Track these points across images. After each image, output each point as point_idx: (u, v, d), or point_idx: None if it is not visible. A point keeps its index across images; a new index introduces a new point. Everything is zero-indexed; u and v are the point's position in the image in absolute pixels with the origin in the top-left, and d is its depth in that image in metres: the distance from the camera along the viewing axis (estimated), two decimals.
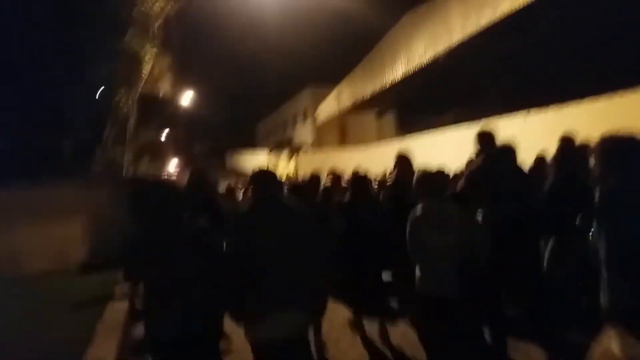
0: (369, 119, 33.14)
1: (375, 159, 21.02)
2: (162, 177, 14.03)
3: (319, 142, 33.23)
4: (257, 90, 56.48)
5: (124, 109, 12.93)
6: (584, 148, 4.94)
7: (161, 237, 2.73)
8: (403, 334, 5.12)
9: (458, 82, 18.56)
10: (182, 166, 48.84)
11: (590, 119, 11.31)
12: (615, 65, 12.13)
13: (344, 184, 8.18)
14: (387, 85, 21.11)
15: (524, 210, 3.72)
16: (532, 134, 12.50)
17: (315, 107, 36.07)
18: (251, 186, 3.20)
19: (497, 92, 16.29)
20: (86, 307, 6.80)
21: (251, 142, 53.14)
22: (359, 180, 5.40)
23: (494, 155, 4.21)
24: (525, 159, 8.30)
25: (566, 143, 4.91)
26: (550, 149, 7.49)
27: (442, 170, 3.65)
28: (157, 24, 13.62)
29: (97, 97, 13.25)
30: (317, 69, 57.58)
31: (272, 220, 2.89)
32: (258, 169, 3.24)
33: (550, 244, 3.85)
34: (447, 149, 16.02)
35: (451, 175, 6.61)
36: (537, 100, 13.58)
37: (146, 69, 13.54)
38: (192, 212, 3.05)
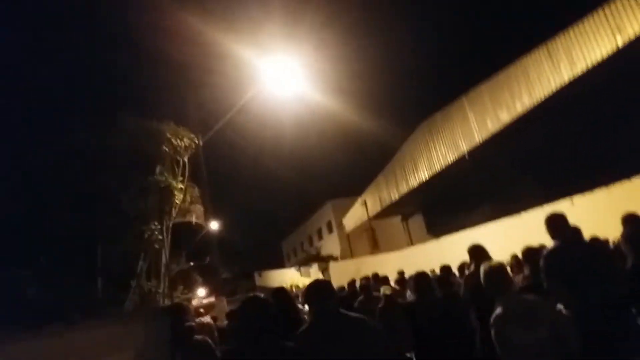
0: (395, 224, 33.01)
1: (408, 263, 20.47)
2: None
3: (348, 251, 32.77)
4: (279, 210, 57.59)
5: (157, 240, 12.88)
6: None
7: None
8: None
9: (483, 180, 18.48)
10: (212, 292, 48.22)
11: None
12: None
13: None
14: (412, 189, 21.20)
15: (611, 294, 3.44)
16: (582, 217, 12.09)
17: (339, 219, 36.34)
18: (308, 300, 2.94)
19: (525, 186, 16.07)
20: None
21: (278, 261, 52.78)
22: (423, 278, 4.82)
23: (571, 242, 3.90)
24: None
25: (635, 221, 4.74)
26: (604, 230, 7.10)
27: (502, 263, 3.43)
28: (184, 159, 14.08)
29: (128, 232, 13.28)
30: (335, 183, 58.98)
31: (337, 336, 2.64)
32: (314, 281, 3.02)
33: None
34: (484, 243, 15.50)
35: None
36: (569, 188, 13.34)
37: (176, 201, 13.74)
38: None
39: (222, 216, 22.86)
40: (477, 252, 5.55)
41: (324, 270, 28.08)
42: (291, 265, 38.79)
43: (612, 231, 6.50)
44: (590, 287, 3.48)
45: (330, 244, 38.90)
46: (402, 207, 26.22)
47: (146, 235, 12.73)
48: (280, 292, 5.52)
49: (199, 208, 15.24)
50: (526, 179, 16.40)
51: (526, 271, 4.80)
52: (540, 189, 14.90)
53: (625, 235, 3.94)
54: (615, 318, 3.42)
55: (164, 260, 13.47)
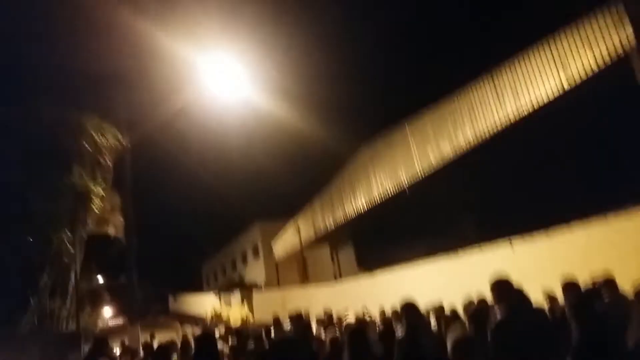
0: (324, 253, 32.31)
1: (339, 298, 19.76)
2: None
3: (274, 280, 31.50)
4: (203, 228, 55.04)
5: (66, 252, 11.21)
6: (596, 292, 5.05)
7: None
8: None
9: (421, 215, 18.32)
10: (120, 313, 44.62)
11: (583, 246, 10.97)
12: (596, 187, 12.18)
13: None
14: (348, 218, 20.67)
15: None
16: (522, 265, 12.01)
17: (266, 243, 34.98)
18: None
19: (463, 224, 16.03)
20: None
21: (196, 284, 50.14)
22: (413, 310, 4.55)
23: (517, 311, 3.90)
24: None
25: (575, 289, 4.93)
26: (544, 279, 6.80)
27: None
28: (107, 161, 12.64)
29: (33, 238, 11.50)
30: (265, 201, 57.49)
31: None
32: (280, 340, 3.05)
33: None
34: (420, 283, 15.19)
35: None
36: (507, 229, 13.34)
37: (94, 208, 12.19)
38: None
39: (141, 230, 21.07)
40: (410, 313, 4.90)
41: (247, 299, 26.73)
42: (211, 290, 36.77)
43: (551, 278, 6.48)
44: None
45: (255, 271, 37.35)
46: (333, 237, 25.64)
47: (54, 245, 11.03)
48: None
49: (118, 218, 13.68)
50: (464, 217, 16.42)
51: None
52: (478, 228, 14.88)
53: (570, 307, 3.90)
54: None
55: (72, 276, 11.77)
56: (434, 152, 15.67)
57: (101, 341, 5.44)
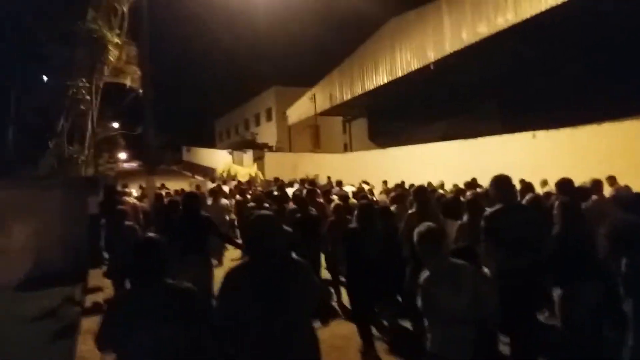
0: (336, 124, 32.26)
1: (348, 168, 20.12)
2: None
3: (286, 143, 31.92)
4: (217, 86, 54.43)
5: (83, 100, 11.14)
6: (586, 191, 5.70)
7: None
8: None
9: (444, 95, 17.76)
10: (134, 159, 46.29)
11: (604, 140, 10.77)
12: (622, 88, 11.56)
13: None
14: (367, 92, 20.20)
15: (536, 261, 3.91)
16: (543, 154, 11.89)
17: (280, 108, 35.12)
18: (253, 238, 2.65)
19: (486, 110, 15.54)
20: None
21: (209, 139, 51.09)
22: (368, 208, 5.03)
23: (515, 207, 4.26)
24: (534, 179, 7.57)
25: (569, 190, 5.23)
26: (564, 169, 6.78)
27: (440, 228, 3.46)
28: (123, 7, 11.97)
29: (46, 83, 11.35)
30: (281, 68, 56.11)
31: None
32: (256, 217, 2.70)
33: (561, 293, 3.95)
34: (434, 162, 15.27)
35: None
36: (529, 121, 12.99)
37: (110, 58, 11.82)
38: None
39: (157, 80, 20.71)
40: (421, 194, 5.56)
41: (259, 159, 27.19)
42: (223, 147, 37.50)
43: (572, 170, 6.52)
44: (519, 252, 3.88)
45: (267, 132, 37.74)
46: (348, 109, 25.34)
47: (71, 92, 10.90)
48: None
49: (134, 70, 13.35)
50: (488, 103, 15.88)
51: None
52: (501, 116, 14.49)
53: (559, 204, 4.12)
54: (531, 281, 3.90)
55: (90, 124, 11.85)
56: (468, 31, 14.70)
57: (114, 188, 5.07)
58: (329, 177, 15.55)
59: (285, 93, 34.47)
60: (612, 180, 7.93)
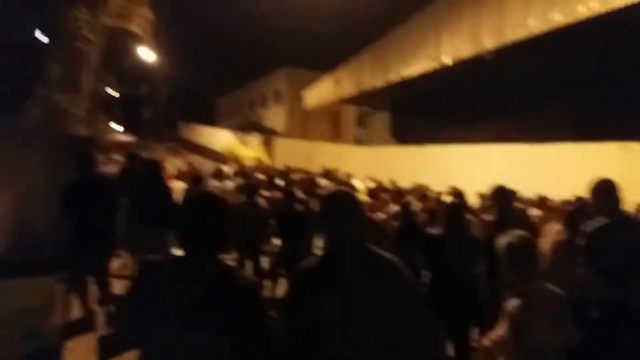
0: (349, 116, 30.13)
1: (375, 165, 18.00)
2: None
3: (295, 129, 29.70)
4: (223, 61, 51.49)
5: (82, 37, 8.76)
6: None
7: None
8: None
9: (496, 89, 15.55)
10: (128, 131, 43.60)
11: None
12: None
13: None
14: (405, 79, 17.94)
15: None
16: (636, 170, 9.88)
17: (291, 91, 32.66)
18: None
19: (561, 111, 13.34)
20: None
21: (210, 118, 48.43)
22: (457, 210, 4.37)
23: (624, 223, 3.46)
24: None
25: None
26: None
27: (531, 238, 2.84)
28: None
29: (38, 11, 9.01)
30: (292, 49, 53.43)
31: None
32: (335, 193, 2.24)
33: None
34: (483, 169, 13.17)
35: None
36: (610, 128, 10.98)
37: None
38: None
39: (161, 45, 18.33)
40: (503, 197, 4.88)
41: (267, 144, 25.00)
42: (228, 127, 35.07)
43: None
44: (630, 281, 3.24)
45: (275, 117, 35.38)
46: (371, 99, 23.08)
47: (67, 25, 8.58)
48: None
49: (144, 14, 11.05)
50: (559, 104, 13.61)
51: None
52: (574, 120, 12.33)
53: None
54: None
55: (86, 70, 9.55)
56: (537, 20, 12.55)
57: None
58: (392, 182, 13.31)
59: (298, 75, 32.04)
60: None
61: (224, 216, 2.04)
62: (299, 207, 6.41)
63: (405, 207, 5.77)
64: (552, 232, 5.10)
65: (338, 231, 2.07)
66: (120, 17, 11.02)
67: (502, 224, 4.15)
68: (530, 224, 5.22)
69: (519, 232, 2.78)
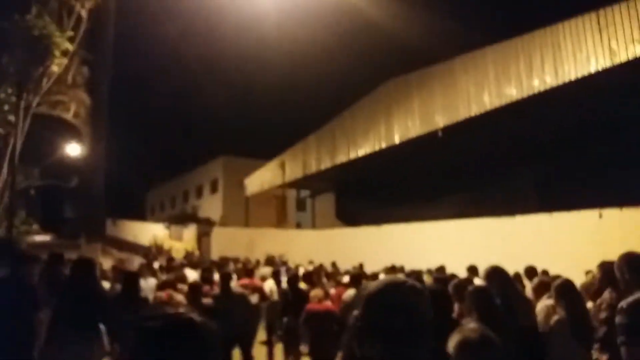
0: (289, 200, 29.32)
1: (323, 248, 16.93)
2: None
3: (233, 217, 28.32)
4: (157, 153, 49.76)
5: (1, 119, 7.37)
6: None
7: None
8: None
9: (455, 167, 15.35)
10: (49, 231, 39.63)
11: None
12: None
13: None
14: (351, 160, 17.51)
15: None
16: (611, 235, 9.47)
17: (228, 179, 32.04)
18: None
19: (522, 183, 13.18)
20: None
21: (138, 212, 45.57)
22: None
23: None
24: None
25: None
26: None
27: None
28: (81, 9, 8.76)
29: None
30: (227, 139, 52.98)
31: None
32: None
33: None
34: (447, 246, 12.50)
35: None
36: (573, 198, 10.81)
37: (54, 67, 8.30)
38: None
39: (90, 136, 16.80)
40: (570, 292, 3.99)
41: (205, 234, 23.30)
42: (159, 221, 32.90)
43: None
44: None
45: (211, 206, 33.87)
46: (315, 182, 22.51)
47: None
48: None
49: (80, 97, 9.78)
50: (519, 176, 13.42)
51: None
52: (537, 191, 12.12)
53: None
54: None
55: (6, 160, 7.93)
56: (492, 94, 12.65)
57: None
58: (333, 263, 12.24)
59: (235, 163, 31.87)
60: None
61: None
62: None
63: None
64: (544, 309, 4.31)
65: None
66: (54, 104, 9.74)
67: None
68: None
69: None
